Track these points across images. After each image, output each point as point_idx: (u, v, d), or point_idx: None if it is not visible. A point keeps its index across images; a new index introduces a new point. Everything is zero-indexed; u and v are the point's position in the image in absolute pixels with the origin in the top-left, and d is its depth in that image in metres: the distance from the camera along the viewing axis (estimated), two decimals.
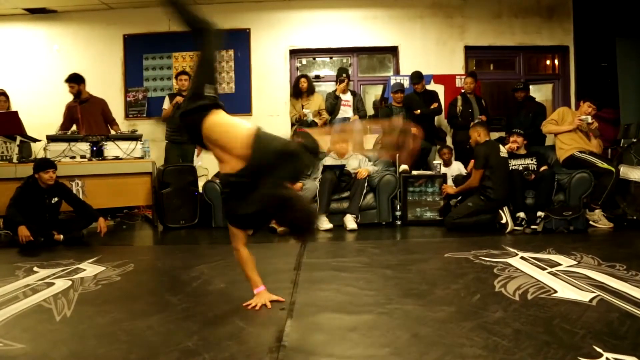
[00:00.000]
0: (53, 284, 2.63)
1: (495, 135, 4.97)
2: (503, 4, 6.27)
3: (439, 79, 6.21)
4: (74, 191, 4.31)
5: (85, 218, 4.16)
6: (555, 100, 6.56)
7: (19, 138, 4.54)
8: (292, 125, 5.94)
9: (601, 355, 1.53)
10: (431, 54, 6.24)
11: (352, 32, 6.30)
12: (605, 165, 4.44)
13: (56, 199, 4.07)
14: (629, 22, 5.87)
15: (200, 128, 2.12)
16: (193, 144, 4.60)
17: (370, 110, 6.55)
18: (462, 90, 5.73)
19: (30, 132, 4.76)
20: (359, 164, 4.99)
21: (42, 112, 5.66)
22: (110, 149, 4.65)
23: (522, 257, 3.03)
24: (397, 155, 4.20)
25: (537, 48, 6.41)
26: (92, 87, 5.40)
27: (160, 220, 4.75)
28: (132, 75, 6.27)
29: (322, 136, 2.30)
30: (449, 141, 5.80)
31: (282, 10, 6.29)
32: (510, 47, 6.35)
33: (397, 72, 6.33)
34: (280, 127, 6.15)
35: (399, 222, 4.75)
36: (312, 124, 5.72)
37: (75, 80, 5.06)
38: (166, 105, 5.58)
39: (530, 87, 5.83)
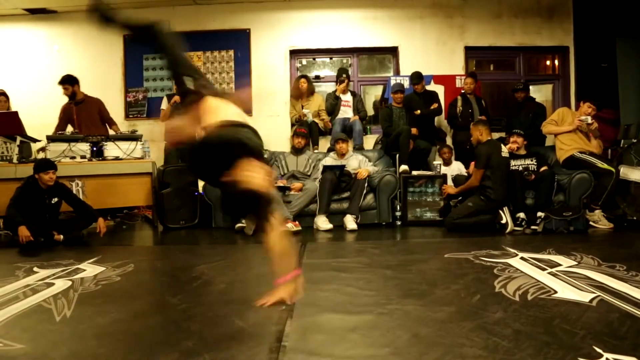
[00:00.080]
0: (53, 284, 2.63)
1: (495, 135, 4.97)
2: (503, 4, 6.28)
3: (439, 79, 6.22)
4: (74, 191, 4.31)
5: (85, 218, 4.16)
6: (555, 101, 6.56)
7: (19, 138, 4.54)
8: (292, 125, 5.94)
9: (601, 356, 1.52)
10: (431, 54, 6.25)
11: (352, 33, 6.31)
12: (605, 166, 4.44)
13: (56, 199, 4.07)
14: (629, 22, 5.87)
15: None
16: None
17: (370, 111, 6.56)
18: (462, 91, 5.73)
19: (30, 132, 4.75)
20: (359, 165, 4.99)
21: (42, 113, 5.66)
22: (110, 149, 4.65)
23: (522, 258, 3.02)
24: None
25: (537, 48, 6.42)
26: (92, 88, 5.41)
27: (160, 220, 4.75)
28: (132, 76, 6.28)
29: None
30: (449, 142, 5.80)
31: (282, 10, 6.29)
32: (510, 47, 6.35)
33: (397, 73, 6.33)
34: (280, 128, 6.17)
35: (399, 223, 4.75)
36: (312, 125, 5.73)
37: (69, 81, 5.04)
38: (164, 105, 5.59)
39: (530, 87, 5.83)
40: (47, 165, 3.95)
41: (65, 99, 5.19)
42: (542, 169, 4.52)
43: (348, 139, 5.39)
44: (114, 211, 5.22)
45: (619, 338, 1.68)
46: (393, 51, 6.42)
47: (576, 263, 2.83)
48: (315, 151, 5.59)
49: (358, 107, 5.87)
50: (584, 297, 2.16)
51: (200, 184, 4.91)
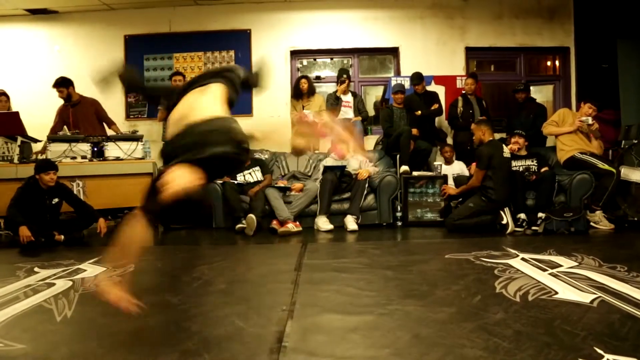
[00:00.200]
0: (54, 284, 2.63)
1: (496, 136, 4.97)
2: (504, 4, 6.28)
3: (439, 80, 6.22)
4: (75, 192, 4.31)
5: (86, 219, 4.16)
6: (556, 102, 6.56)
7: (20, 138, 4.54)
8: (293, 126, 5.93)
9: (602, 357, 1.52)
10: (432, 55, 6.25)
11: (352, 33, 6.31)
12: (606, 167, 4.43)
13: (57, 200, 4.07)
14: (630, 23, 5.87)
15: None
16: None
17: (371, 111, 6.56)
18: (463, 91, 5.73)
19: (30, 132, 4.76)
20: (360, 165, 4.99)
21: (42, 113, 5.66)
22: (111, 149, 4.65)
23: (522, 259, 3.02)
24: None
25: (538, 49, 6.42)
26: (93, 88, 5.38)
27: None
28: None
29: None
30: (449, 142, 5.80)
31: (282, 11, 6.29)
32: (511, 48, 6.35)
33: (397, 73, 6.33)
34: (281, 129, 6.17)
35: (399, 223, 4.75)
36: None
37: (63, 84, 5.03)
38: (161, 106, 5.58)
39: (531, 88, 5.83)
40: (47, 165, 3.95)
41: (62, 101, 5.18)
42: (543, 169, 4.52)
43: None
44: (115, 211, 5.20)
45: (620, 339, 1.67)
46: (394, 52, 6.42)
47: (577, 264, 2.83)
48: (316, 152, 5.59)
49: (359, 108, 5.86)
50: (585, 298, 2.15)
51: None
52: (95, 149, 4.59)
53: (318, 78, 6.52)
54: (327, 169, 4.83)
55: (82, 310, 2.17)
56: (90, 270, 2.97)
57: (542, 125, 4.97)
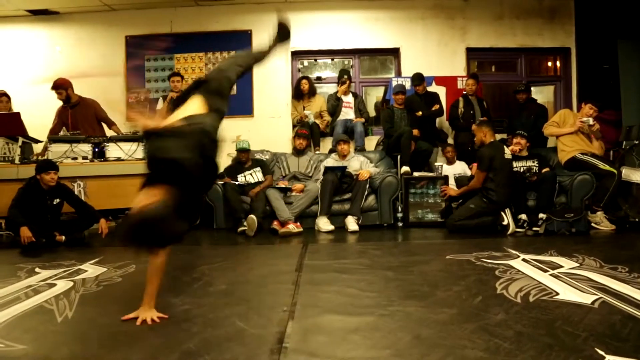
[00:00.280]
0: (55, 284, 2.63)
1: (497, 137, 4.97)
2: (504, 5, 6.28)
3: (440, 80, 6.22)
4: (76, 192, 4.31)
5: (87, 219, 4.17)
6: (556, 102, 6.55)
7: (21, 139, 4.55)
8: (294, 126, 5.94)
9: (603, 358, 1.52)
10: (432, 55, 6.25)
11: (353, 34, 6.31)
12: (607, 167, 4.43)
13: (58, 200, 4.07)
14: (631, 23, 5.86)
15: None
16: None
17: (372, 112, 6.56)
18: (464, 92, 5.73)
19: (31, 133, 4.77)
20: (361, 166, 5.00)
21: (43, 113, 5.66)
22: (112, 150, 4.66)
23: (523, 259, 3.02)
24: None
25: (539, 50, 6.41)
26: (94, 89, 5.42)
27: None
28: (134, 77, 6.29)
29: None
30: (450, 143, 5.80)
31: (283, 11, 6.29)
32: (511, 48, 6.34)
33: (398, 74, 6.33)
34: (281, 129, 6.17)
35: (400, 224, 4.75)
36: (314, 126, 5.73)
37: (61, 86, 5.04)
38: (160, 106, 5.60)
39: (532, 88, 5.84)
40: (48, 166, 3.96)
41: (61, 102, 5.18)
42: (544, 170, 4.51)
43: (349, 140, 5.39)
44: (116, 212, 5.21)
45: (621, 340, 1.67)
46: (394, 52, 6.42)
47: (578, 265, 2.83)
48: (317, 152, 5.60)
49: (360, 109, 5.87)
50: (586, 298, 2.15)
51: None
52: (96, 150, 4.60)
53: (319, 79, 6.52)
54: (327, 169, 4.84)
55: (82, 311, 2.17)
56: (91, 270, 2.97)
57: (543, 126, 4.97)
